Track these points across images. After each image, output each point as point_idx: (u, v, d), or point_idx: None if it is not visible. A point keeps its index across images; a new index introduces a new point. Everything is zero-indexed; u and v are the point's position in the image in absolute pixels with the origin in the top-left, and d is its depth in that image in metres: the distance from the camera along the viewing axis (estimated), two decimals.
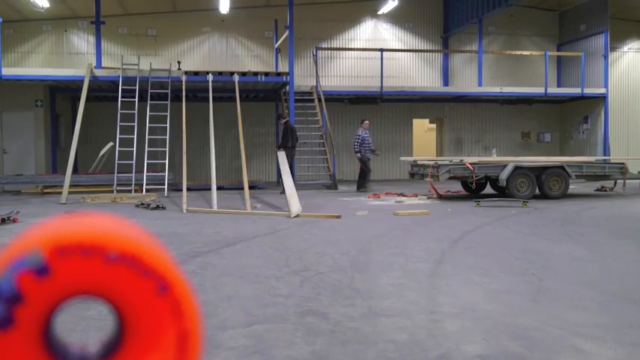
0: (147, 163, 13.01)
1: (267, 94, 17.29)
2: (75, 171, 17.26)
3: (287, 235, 7.01)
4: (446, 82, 19.89)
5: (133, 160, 12.74)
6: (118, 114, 13.35)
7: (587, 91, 18.29)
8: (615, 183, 12.96)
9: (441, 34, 20.20)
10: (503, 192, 11.66)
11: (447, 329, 3.28)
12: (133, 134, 13.06)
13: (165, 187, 12.64)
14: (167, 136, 13.22)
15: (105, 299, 1.24)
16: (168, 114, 13.44)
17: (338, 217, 8.60)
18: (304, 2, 17.82)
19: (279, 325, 3.37)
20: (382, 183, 16.37)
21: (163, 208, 9.94)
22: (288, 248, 6.06)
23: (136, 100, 13.50)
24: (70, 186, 13.88)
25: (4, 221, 8.02)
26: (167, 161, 12.94)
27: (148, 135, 13.15)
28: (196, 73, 14.49)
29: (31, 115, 15.63)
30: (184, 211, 9.48)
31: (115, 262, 1.20)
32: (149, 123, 13.25)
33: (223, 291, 4.22)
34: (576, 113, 19.78)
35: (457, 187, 13.55)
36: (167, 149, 13.10)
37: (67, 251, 1.17)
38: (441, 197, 12.04)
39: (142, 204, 10.46)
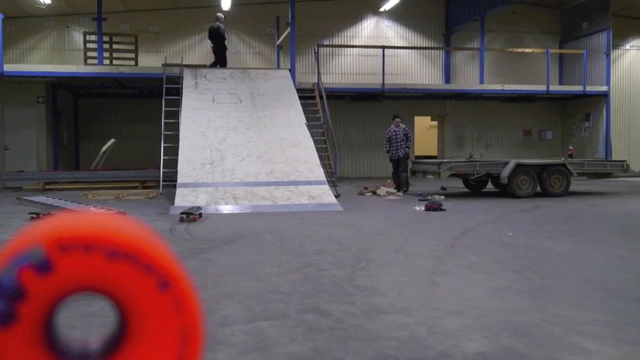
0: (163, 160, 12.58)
1: None
2: (76, 167, 17.33)
3: (288, 232, 7.02)
4: (447, 80, 19.86)
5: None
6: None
7: (589, 88, 18.25)
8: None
9: (443, 32, 20.17)
10: (504, 189, 11.66)
11: (447, 326, 3.28)
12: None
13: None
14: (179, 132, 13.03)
15: (107, 295, 1.24)
16: (180, 109, 13.00)
17: None
18: None
19: (280, 322, 3.38)
20: (383, 181, 16.34)
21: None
22: (289, 245, 6.06)
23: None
24: (72, 182, 13.90)
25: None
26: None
27: (164, 131, 12.89)
28: None
29: (33, 112, 15.63)
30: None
31: (116, 258, 1.19)
32: (164, 119, 13.13)
33: (224, 288, 4.22)
34: (578, 111, 19.75)
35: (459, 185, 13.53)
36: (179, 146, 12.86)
37: (69, 247, 1.17)
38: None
39: None
